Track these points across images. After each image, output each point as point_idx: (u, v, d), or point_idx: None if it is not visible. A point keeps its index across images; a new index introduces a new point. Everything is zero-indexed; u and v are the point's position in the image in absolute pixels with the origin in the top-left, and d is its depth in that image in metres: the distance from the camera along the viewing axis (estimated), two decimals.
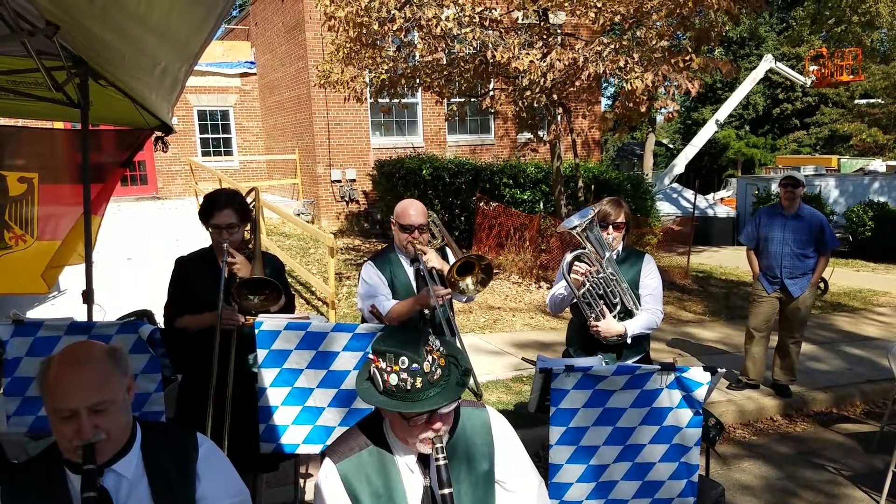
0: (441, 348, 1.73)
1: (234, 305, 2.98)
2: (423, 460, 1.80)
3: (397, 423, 1.74)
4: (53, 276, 4.08)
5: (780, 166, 22.32)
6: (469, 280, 3.14)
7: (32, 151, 3.97)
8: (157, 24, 1.75)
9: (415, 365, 1.64)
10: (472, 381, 2.95)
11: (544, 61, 7.71)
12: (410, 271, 3.31)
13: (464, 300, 3.41)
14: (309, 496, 3.89)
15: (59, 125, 7.33)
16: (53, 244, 3.98)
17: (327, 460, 1.81)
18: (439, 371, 1.68)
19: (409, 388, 1.64)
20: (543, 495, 1.98)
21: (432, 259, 3.18)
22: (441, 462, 1.68)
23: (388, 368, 1.65)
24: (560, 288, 3.53)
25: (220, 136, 17.07)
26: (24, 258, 3.94)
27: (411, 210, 3.24)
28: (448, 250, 3.44)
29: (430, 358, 1.67)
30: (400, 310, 3.18)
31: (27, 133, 4.05)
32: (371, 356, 1.71)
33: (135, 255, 10.05)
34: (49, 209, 3.97)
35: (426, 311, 3.25)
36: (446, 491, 1.66)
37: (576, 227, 3.27)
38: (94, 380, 1.67)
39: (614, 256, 3.42)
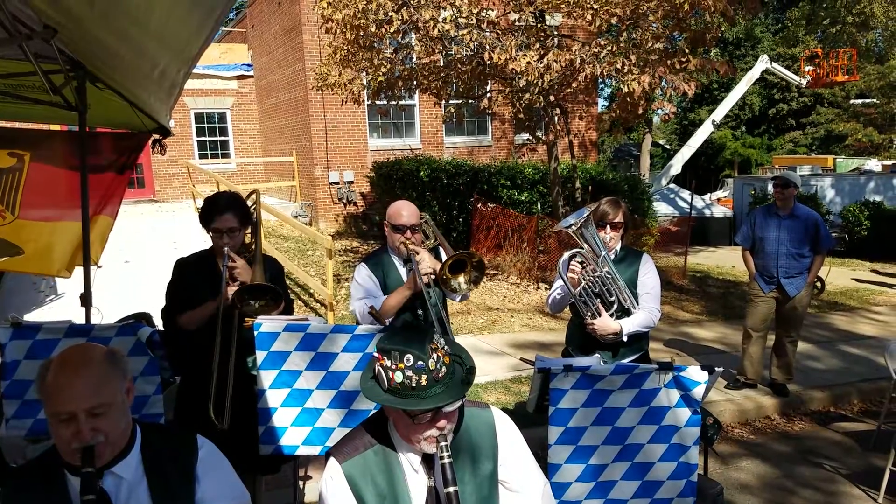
0: (446, 347, 1.73)
1: (235, 310, 2.97)
2: (427, 460, 1.80)
3: (401, 422, 1.74)
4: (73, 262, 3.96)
5: (776, 166, 22.36)
6: (461, 278, 3.14)
7: (27, 140, 3.91)
8: (157, 27, 1.75)
9: (420, 362, 1.63)
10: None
11: (541, 63, 7.72)
12: (403, 272, 3.31)
13: (458, 299, 3.42)
14: (308, 498, 3.89)
15: (55, 128, 7.32)
16: (35, 224, 3.87)
17: (332, 460, 1.80)
18: (444, 369, 1.68)
19: (414, 385, 1.64)
20: (548, 496, 1.98)
21: (425, 259, 3.19)
22: (446, 460, 1.67)
23: (394, 366, 1.65)
24: (558, 287, 3.55)
25: (218, 138, 17.06)
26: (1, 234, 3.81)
27: (403, 211, 3.24)
28: (441, 250, 3.45)
29: (435, 356, 1.66)
30: (391, 302, 3.18)
31: (25, 132, 4.04)
32: (376, 354, 1.70)
33: (132, 258, 10.04)
34: (38, 190, 3.85)
35: (419, 312, 3.26)
36: (451, 489, 1.65)
37: (571, 225, 3.31)
38: (92, 383, 1.67)
39: (612, 256, 3.44)
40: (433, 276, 3.14)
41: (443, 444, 1.69)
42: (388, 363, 1.66)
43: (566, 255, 3.38)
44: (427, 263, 3.17)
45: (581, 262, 3.34)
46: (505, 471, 1.88)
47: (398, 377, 1.64)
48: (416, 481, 1.80)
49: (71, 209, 3.88)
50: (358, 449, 1.80)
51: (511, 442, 1.91)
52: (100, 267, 3.87)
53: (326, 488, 1.79)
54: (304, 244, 11.60)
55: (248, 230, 3.21)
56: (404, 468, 1.80)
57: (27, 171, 3.85)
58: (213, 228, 3.04)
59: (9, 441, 3.04)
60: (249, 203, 3.31)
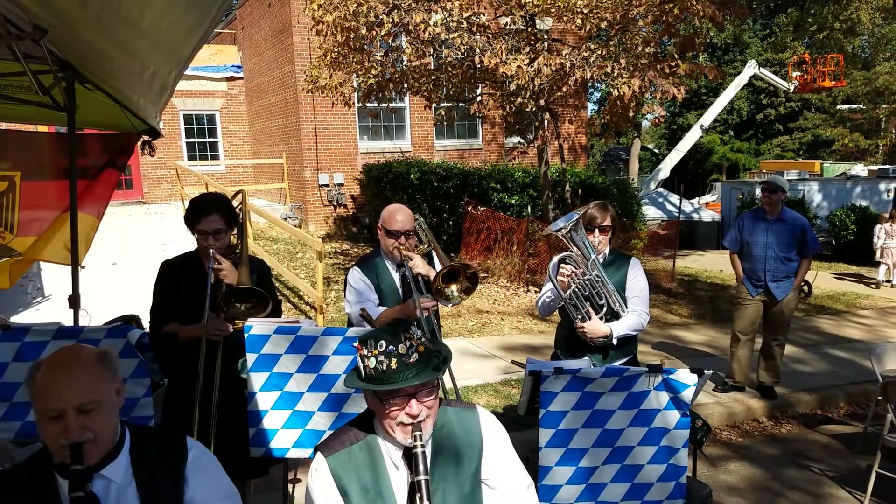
0: (423, 339, 1.79)
1: (221, 314, 2.95)
2: (409, 456, 1.82)
3: (379, 410, 1.79)
4: (19, 272, 3.99)
5: (764, 171, 22.57)
6: (454, 287, 3.16)
7: (16, 153, 3.91)
8: (149, 28, 1.75)
9: (391, 347, 1.72)
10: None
11: (532, 66, 7.76)
12: (396, 276, 3.32)
13: (450, 305, 3.42)
14: (298, 501, 3.88)
15: (42, 129, 7.27)
16: (30, 239, 3.90)
17: (318, 454, 1.86)
18: (416, 355, 1.74)
19: (384, 369, 1.72)
20: (532, 495, 2.00)
21: (418, 265, 3.19)
22: (419, 449, 1.73)
23: (369, 353, 1.74)
24: (548, 291, 3.56)
25: (207, 140, 16.97)
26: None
27: (398, 216, 3.23)
28: (434, 255, 3.45)
29: (407, 342, 1.74)
30: (385, 319, 3.18)
31: (12, 135, 4.01)
32: (356, 345, 1.79)
33: (120, 260, 9.97)
34: (31, 206, 3.88)
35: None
36: (422, 477, 1.70)
37: (560, 229, 3.33)
38: (82, 380, 1.67)
39: (601, 260, 3.46)
40: (426, 278, 3.15)
41: (417, 433, 1.74)
42: (365, 351, 1.75)
43: (556, 258, 3.40)
44: (420, 270, 3.18)
45: (571, 265, 3.35)
46: (487, 469, 1.92)
47: (371, 363, 1.73)
48: (398, 477, 1.84)
49: (54, 211, 3.87)
50: (344, 444, 1.85)
51: (496, 441, 1.94)
52: (83, 267, 3.84)
53: (312, 481, 1.84)
54: (294, 246, 11.56)
55: (235, 231, 3.19)
56: (387, 464, 1.84)
57: (20, 192, 3.87)
58: (198, 230, 3.01)
59: None
60: (235, 203, 3.29)
